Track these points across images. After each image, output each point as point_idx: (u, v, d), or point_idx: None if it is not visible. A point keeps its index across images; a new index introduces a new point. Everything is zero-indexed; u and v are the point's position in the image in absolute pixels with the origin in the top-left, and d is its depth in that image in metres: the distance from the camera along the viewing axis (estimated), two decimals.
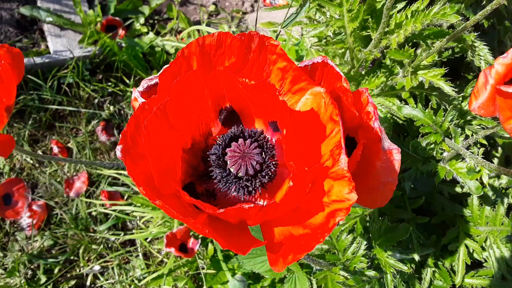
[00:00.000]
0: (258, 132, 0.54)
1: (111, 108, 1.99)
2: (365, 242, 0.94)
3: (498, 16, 1.00)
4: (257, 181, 0.50)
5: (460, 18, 0.79)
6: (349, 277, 0.89)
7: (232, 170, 0.50)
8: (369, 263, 1.09)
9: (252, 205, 0.40)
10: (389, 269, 1.02)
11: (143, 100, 0.65)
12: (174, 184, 0.46)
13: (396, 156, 0.61)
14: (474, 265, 1.27)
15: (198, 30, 1.92)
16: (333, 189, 0.46)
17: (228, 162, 0.51)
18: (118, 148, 0.44)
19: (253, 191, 0.51)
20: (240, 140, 0.52)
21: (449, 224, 1.26)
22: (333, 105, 0.50)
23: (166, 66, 0.54)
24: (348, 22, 1.00)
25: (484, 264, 1.21)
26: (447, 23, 0.90)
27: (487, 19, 1.01)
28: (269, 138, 0.55)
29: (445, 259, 1.25)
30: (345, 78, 0.59)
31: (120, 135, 0.44)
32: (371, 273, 0.98)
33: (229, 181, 0.51)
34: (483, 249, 1.18)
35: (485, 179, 0.87)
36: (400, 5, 1.00)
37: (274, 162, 0.52)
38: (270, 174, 0.51)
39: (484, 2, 0.94)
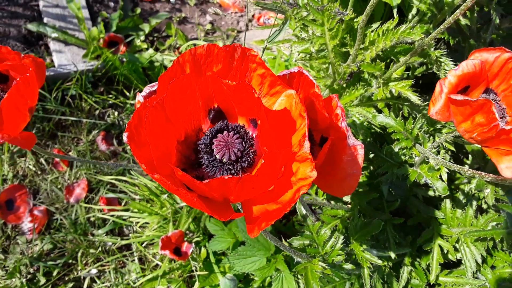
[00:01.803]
0: (239, 126, 0.64)
1: (112, 115, 2.09)
2: (342, 237, 1.04)
3: (462, 35, 1.12)
4: (238, 165, 0.61)
5: (423, 36, 0.90)
6: (327, 267, 0.98)
7: (217, 156, 0.61)
8: (347, 257, 1.18)
9: (231, 176, 0.51)
10: (366, 263, 1.11)
11: None
12: (171, 166, 0.56)
13: (360, 151, 0.72)
14: (450, 266, 1.36)
15: (195, 45, 2.05)
16: (299, 169, 0.56)
17: (215, 150, 0.61)
18: (125, 135, 0.54)
19: (235, 174, 0.61)
20: (225, 132, 0.62)
21: (425, 226, 1.35)
22: (301, 103, 0.61)
23: (163, 72, 0.65)
24: (329, 39, 1.12)
25: (461, 265, 1.30)
26: (419, 40, 1.01)
27: (453, 37, 1.13)
28: (249, 132, 0.66)
29: (422, 259, 1.34)
30: (317, 85, 0.71)
31: (126, 125, 0.55)
32: (349, 266, 1.07)
33: (215, 165, 0.61)
34: (456, 249, 1.27)
35: (444, 176, 0.97)
36: (375, 25, 1.12)
37: (252, 151, 0.62)
38: (249, 160, 0.61)
39: (446, 23, 1.06)
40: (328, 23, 1.08)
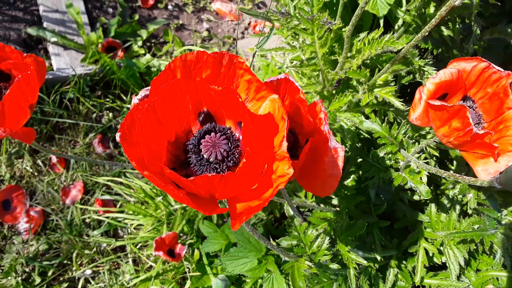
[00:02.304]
0: (226, 128, 0.68)
1: (107, 116, 2.13)
2: (328, 237, 1.08)
3: (445, 45, 1.17)
4: (224, 164, 0.65)
5: (406, 45, 0.95)
6: (313, 266, 1.02)
7: (205, 156, 0.65)
8: (334, 258, 1.22)
9: (215, 173, 0.55)
10: (352, 264, 1.15)
11: None
12: (160, 165, 0.60)
13: (340, 153, 0.76)
14: (436, 269, 1.40)
15: (190, 50, 2.10)
16: (279, 167, 0.60)
17: (202, 150, 0.65)
18: (118, 134, 0.58)
19: (221, 172, 0.65)
20: (212, 134, 0.67)
21: (411, 229, 1.39)
22: (283, 107, 0.65)
23: (156, 76, 0.69)
24: (319, 47, 1.16)
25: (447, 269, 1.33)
26: (402, 49, 1.06)
27: (437, 47, 1.18)
28: (236, 134, 0.70)
29: (407, 261, 1.37)
30: (302, 91, 0.76)
31: (119, 126, 0.59)
32: (334, 266, 1.11)
33: (202, 164, 0.65)
34: (441, 252, 1.31)
35: (424, 179, 1.01)
36: (362, 35, 1.17)
37: (238, 151, 0.66)
38: (234, 159, 0.66)
39: (432, 33, 1.11)
40: (317, 32, 1.13)
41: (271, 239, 1.28)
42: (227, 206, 0.65)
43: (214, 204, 0.63)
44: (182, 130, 0.71)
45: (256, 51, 0.94)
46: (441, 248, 1.29)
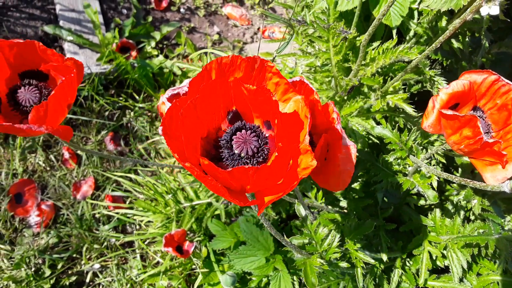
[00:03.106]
0: (256, 126, 0.74)
1: (129, 115, 2.18)
2: (338, 235, 1.13)
3: (455, 57, 1.22)
4: (254, 160, 0.70)
5: (419, 56, 1.00)
6: (324, 263, 1.07)
7: (236, 151, 0.70)
8: (342, 257, 1.27)
9: (251, 165, 0.60)
10: (360, 263, 1.20)
11: (169, 103, 0.86)
12: (198, 157, 0.65)
13: (353, 150, 0.82)
14: (438, 272, 1.45)
15: (206, 54, 2.15)
16: (303, 160, 0.66)
17: (234, 146, 0.71)
18: (160, 128, 0.63)
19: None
20: (243, 131, 0.72)
21: (415, 233, 1.44)
22: (307, 106, 0.71)
23: (193, 77, 0.74)
24: (333, 55, 1.22)
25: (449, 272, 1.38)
26: (414, 59, 1.12)
27: (446, 59, 1.23)
28: (264, 132, 0.75)
29: (412, 264, 1.42)
30: (316, 92, 0.82)
31: (161, 120, 0.64)
32: (344, 264, 1.16)
33: (234, 159, 0.71)
34: (444, 256, 1.36)
35: (434, 184, 1.07)
36: (375, 44, 1.22)
37: (267, 147, 0.72)
38: (263, 156, 0.71)
39: (442, 45, 1.16)
40: (333, 40, 1.18)
41: (285, 236, 1.33)
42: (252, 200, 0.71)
43: (244, 197, 0.68)
44: (213, 127, 0.76)
45: (275, 56, 0.99)
46: (444, 251, 1.34)
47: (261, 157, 0.71)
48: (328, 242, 1.13)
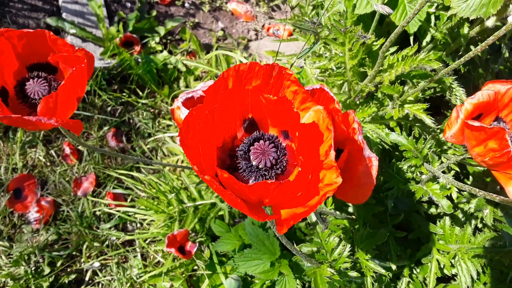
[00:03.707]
0: (274, 137, 0.71)
1: (143, 116, 2.14)
2: (349, 245, 1.10)
3: (473, 64, 1.19)
4: (272, 172, 0.67)
5: (441, 64, 0.97)
6: (335, 273, 1.04)
7: (254, 162, 0.67)
8: (352, 265, 1.24)
9: (274, 180, 0.57)
10: (369, 272, 1.18)
11: (185, 108, 0.83)
12: (214, 168, 0.62)
13: (374, 163, 0.79)
14: (444, 280, 1.43)
15: (215, 54, 2.12)
16: (326, 176, 0.63)
17: (252, 157, 0.67)
18: (178, 138, 0.60)
19: (269, 179, 0.67)
20: (261, 141, 0.69)
21: (424, 240, 1.42)
22: (328, 118, 0.67)
23: (210, 84, 0.71)
24: (348, 59, 1.18)
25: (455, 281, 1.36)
26: (430, 67, 1.08)
27: (464, 66, 1.20)
28: (282, 142, 0.72)
29: (419, 272, 1.40)
30: (337, 101, 0.78)
31: (179, 130, 0.61)
32: (354, 274, 1.13)
33: (252, 171, 0.67)
34: (452, 265, 1.34)
35: (454, 195, 1.04)
36: (392, 49, 1.19)
37: (285, 159, 0.69)
38: (282, 168, 0.68)
39: (461, 52, 1.13)
40: (349, 44, 1.15)
41: (294, 244, 1.30)
42: (269, 212, 0.67)
43: (261, 210, 0.65)
44: (229, 136, 0.73)
45: (295, 61, 0.96)
46: (453, 261, 1.32)
47: (280, 169, 0.67)
48: (339, 251, 1.11)
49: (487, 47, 1.01)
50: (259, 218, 0.59)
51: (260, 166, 0.67)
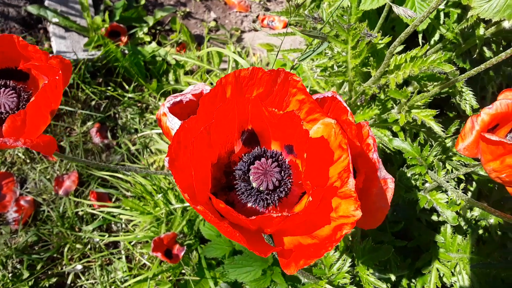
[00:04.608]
0: (277, 153, 0.62)
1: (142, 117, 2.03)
2: (349, 260, 1.03)
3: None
4: (275, 195, 0.58)
5: (454, 68, 0.89)
6: None
7: (254, 184, 0.58)
8: (352, 280, 1.17)
9: (280, 214, 0.48)
10: (369, 286, 1.11)
11: (172, 115, 0.73)
12: (207, 193, 0.53)
13: (390, 185, 0.70)
14: None
15: (219, 53, 2.01)
16: (341, 206, 0.54)
17: (251, 177, 0.58)
18: (166, 159, 0.51)
19: (271, 204, 0.59)
20: (263, 159, 0.60)
21: (424, 249, 1.36)
22: (342, 135, 0.59)
23: (201, 86, 0.62)
24: (350, 58, 1.10)
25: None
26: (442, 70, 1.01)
27: (472, 66, 1.12)
28: (286, 160, 0.63)
29: (417, 281, 1.34)
30: (351, 113, 0.69)
31: (168, 149, 0.52)
32: None
33: (251, 194, 0.59)
34: (453, 274, 1.28)
35: (464, 212, 0.97)
36: (399, 48, 1.10)
37: (290, 180, 0.60)
38: (286, 190, 0.59)
39: (475, 55, 1.05)
40: (352, 42, 1.06)
41: None
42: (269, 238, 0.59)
43: (262, 240, 0.57)
44: (225, 151, 0.64)
45: (296, 63, 0.87)
46: (454, 270, 1.26)
47: (284, 192, 0.59)
48: (338, 266, 1.03)
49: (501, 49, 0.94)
50: (261, 252, 0.50)
51: (261, 189, 0.58)
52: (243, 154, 0.63)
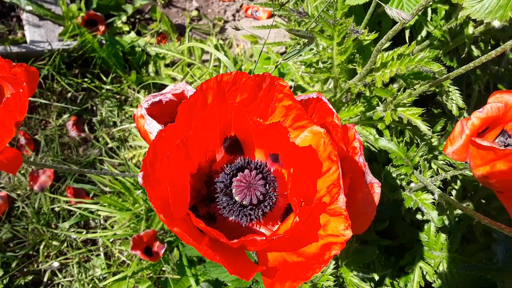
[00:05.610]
0: (262, 164, 0.58)
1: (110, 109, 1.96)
2: (333, 262, 1.01)
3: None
4: (259, 210, 0.55)
5: (442, 67, 0.86)
6: None
7: (237, 198, 0.55)
8: (336, 282, 1.15)
9: (264, 238, 0.45)
10: (353, 287, 1.09)
11: (150, 118, 0.69)
12: (186, 209, 0.49)
13: (377, 190, 0.67)
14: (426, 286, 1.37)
15: (203, 49, 1.94)
16: (330, 224, 0.51)
17: (234, 190, 0.55)
18: (140, 175, 0.47)
19: (255, 219, 0.55)
20: (246, 171, 0.56)
21: (408, 247, 1.35)
22: (332, 146, 0.55)
23: (182, 86, 0.57)
24: (336, 54, 1.06)
25: (432, 285, 1.30)
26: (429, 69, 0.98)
27: (460, 65, 1.10)
28: (271, 170, 0.60)
29: (401, 279, 1.33)
30: (337, 115, 0.65)
31: (142, 163, 0.47)
32: None
33: (234, 209, 0.55)
34: (436, 272, 1.27)
35: (451, 216, 0.95)
36: (386, 45, 1.07)
37: (275, 194, 0.56)
38: (271, 204, 0.56)
39: (464, 54, 1.03)
40: (338, 38, 1.03)
41: None
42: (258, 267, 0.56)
43: (243, 254, 0.53)
44: (206, 160, 0.60)
45: (280, 62, 0.83)
46: (437, 269, 1.26)
47: (268, 206, 0.55)
48: (322, 268, 1.01)
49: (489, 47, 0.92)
50: (243, 276, 0.47)
51: (244, 203, 0.55)
52: (225, 164, 0.59)
